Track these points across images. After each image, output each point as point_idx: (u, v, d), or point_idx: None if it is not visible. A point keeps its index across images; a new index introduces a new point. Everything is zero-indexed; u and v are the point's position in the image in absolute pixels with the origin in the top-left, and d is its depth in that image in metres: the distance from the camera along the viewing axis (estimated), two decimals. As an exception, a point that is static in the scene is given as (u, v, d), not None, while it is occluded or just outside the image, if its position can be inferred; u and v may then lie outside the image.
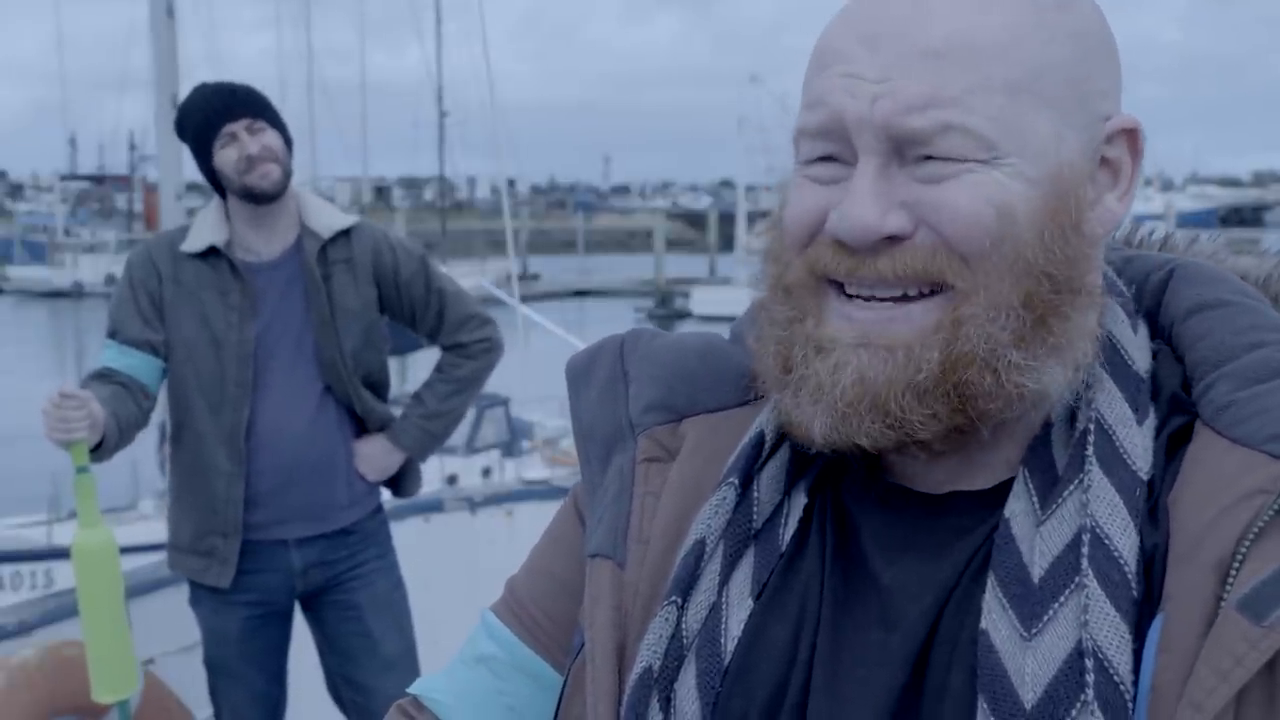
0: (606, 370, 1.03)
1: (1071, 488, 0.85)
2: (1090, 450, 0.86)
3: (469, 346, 3.36)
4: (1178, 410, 0.89)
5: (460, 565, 4.48)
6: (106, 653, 3.02)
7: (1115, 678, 0.79)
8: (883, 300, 0.87)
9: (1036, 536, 0.84)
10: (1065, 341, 0.86)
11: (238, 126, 3.08)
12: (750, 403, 0.98)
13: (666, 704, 0.90)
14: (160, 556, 3.51)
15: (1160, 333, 0.95)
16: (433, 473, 9.84)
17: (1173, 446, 0.88)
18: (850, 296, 0.88)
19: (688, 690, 0.89)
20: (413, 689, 1.08)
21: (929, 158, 0.85)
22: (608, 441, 1.01)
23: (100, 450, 2.97)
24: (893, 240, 0.86)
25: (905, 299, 0.87)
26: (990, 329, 0.85)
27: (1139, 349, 0.92)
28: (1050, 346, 0.86)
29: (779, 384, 0.91)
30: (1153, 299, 0.96)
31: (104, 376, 3.09)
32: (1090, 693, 0.78)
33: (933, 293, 0.86)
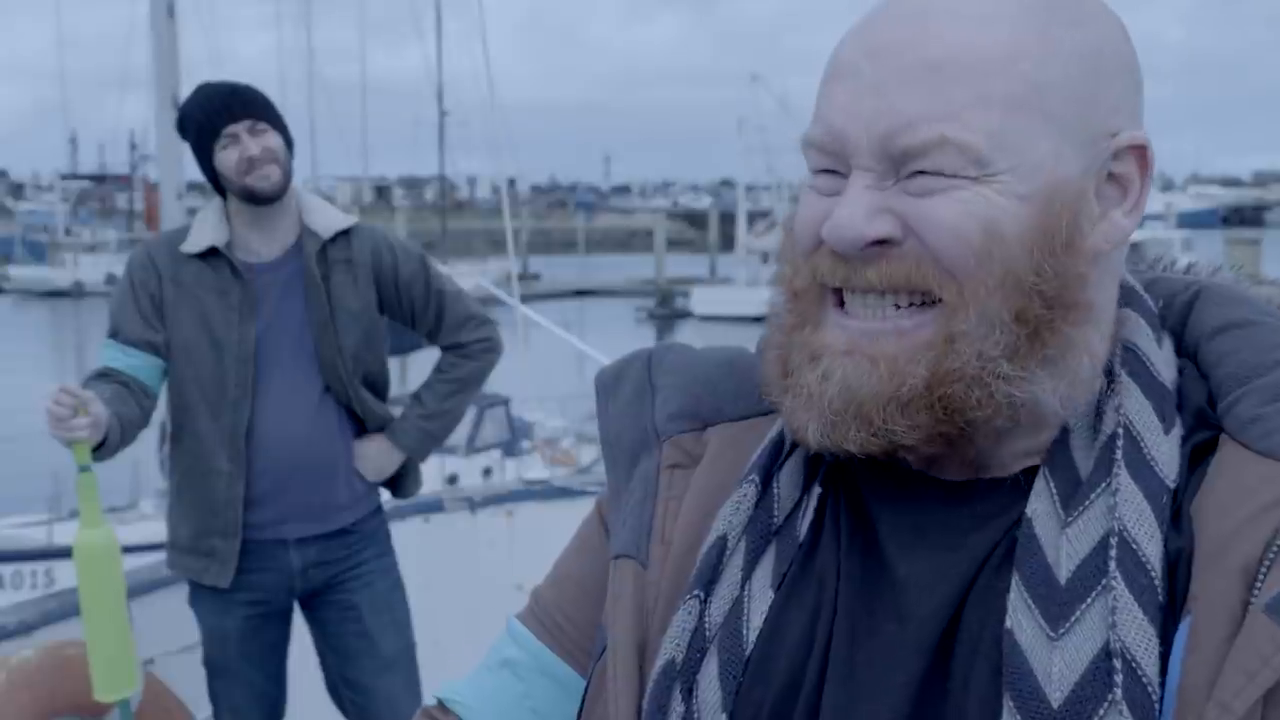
0: (634, 382, 1.06)
1: (1099, 490, 0.86)
2: (1119, 455, 0.87)
3: (468, 346, 3.36)
4: (1202, 425, 0.90)
5: (460, 565, 4.48)
6: (107, 652, 3.02)
7: (1143, 678, 0.80)
8: (875, 311, 0.88)
9: (1063, 538, 0.85)
10: (1059, 355, 0.87)
11: (239, 128, 3.08)
12: (773, 411, 0.99)
13: (689, 694, 0.91)
14: (160, 556, 3.51)
15: (1185, 351, 0.96)
16: (433, 473, 9.83)
17: (1196, 458, 0.88)
18: (843, 306, 0.90)
19: (710, 681, 0.90)
20: (437, 693, 1.09)
21: (921, 172, 0.86)
22: (633, 449, 1.03)
23: (102, 449, 2.97)
24: (882, 248, 0.87)
25: (896, 309, 0.88)
26: (982, 346, 0.86)
27: (1164, 362, 0.93)
28: (1044, 359, 0.87)
29: (780, 388, 0.93)
30: (1178, 319, 0.97)
31: (106, 376, 3.09)
32: (1119, 692, 0.79)
33: (924, 304, 0.87)
